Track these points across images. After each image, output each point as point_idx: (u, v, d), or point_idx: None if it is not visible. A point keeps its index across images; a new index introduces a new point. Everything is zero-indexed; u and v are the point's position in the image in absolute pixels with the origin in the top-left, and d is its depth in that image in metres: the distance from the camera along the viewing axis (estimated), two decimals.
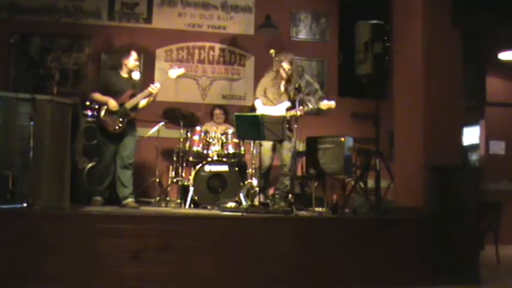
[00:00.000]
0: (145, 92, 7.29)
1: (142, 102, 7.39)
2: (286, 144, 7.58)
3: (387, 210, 6.73)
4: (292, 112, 7.53)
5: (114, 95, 7.25)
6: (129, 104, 7.27)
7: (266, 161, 7.63)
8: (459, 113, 7.05)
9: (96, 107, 7.61)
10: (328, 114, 10.25)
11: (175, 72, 7.56)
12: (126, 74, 7.46)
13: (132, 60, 7.44)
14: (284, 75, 7.74)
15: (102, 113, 7.24)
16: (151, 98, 7.42)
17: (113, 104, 7.19)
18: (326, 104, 7.61)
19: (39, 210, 5.58)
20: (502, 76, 10.61)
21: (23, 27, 9.57)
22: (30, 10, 9.76)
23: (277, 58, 7.65)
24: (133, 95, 7.32)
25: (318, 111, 8.01)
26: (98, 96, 7.30)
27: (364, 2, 9.35)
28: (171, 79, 7.73)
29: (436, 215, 6.34)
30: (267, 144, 7.60)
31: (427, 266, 6.16)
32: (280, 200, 7.60)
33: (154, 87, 7.27)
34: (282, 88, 7.81)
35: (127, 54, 7.47)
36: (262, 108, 7.68)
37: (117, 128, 7.20)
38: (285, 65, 7.69)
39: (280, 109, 7.63)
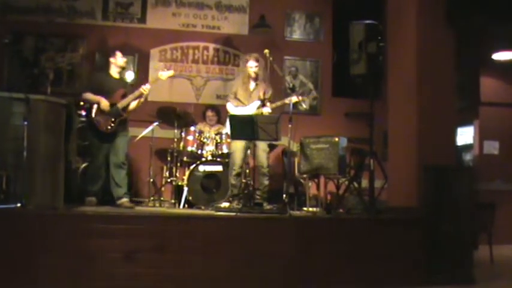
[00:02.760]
0: (137, 93, 7.32)
1: (133, 104, 7.41)
2: (262, 145, 7.59)
3: (381, 210, 6.74)
4: (261, 110, 7.58)
5: (105, 95, 7.26)
6: (121, 104, 7.28)
7: (237, 160, 7.63)
8: (453, 112, 7.05)
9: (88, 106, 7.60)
10: (322, 114, 10.34)
11: (165, 73, 7.60)
12: (115, 74, 7.51)
13: (119, 58, 7.47)
14: (252, 74, 7.79)
15: (94, 112, 7.24)
16: (142, 99, 7.45)
17: (104, 103, 7.20)
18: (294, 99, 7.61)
19: (33, 210, 5.57)
20: (496, 76, 10.62)
21: (17, 27, 9.56)
22: (24, 10, 9.75)
23: (244, 58, 7.74)
24: (124, 95, 7.33)
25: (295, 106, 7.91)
26: (89, 96, 7.31)
27: (358, 2, 9.36)
28: (162, 80, 7.74)
29: (429, 215, 6.35)
30: (239, 145, 7.62)
31: (421, 266, 6.17)
32: (262, 201, 7.61)
33: (145, 88, 7.30)
34: (251, 88, 7.85)
35: (112, 54, 7.52)
36: (234, 110, 7.73)
37: (109, 127, 7.20)
38: (251, 64, 7.75)
39: (250, 109, 7.66)
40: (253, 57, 7.81)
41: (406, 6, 7.11)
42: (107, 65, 7.56)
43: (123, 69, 7.60)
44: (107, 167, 7.42)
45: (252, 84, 7.87)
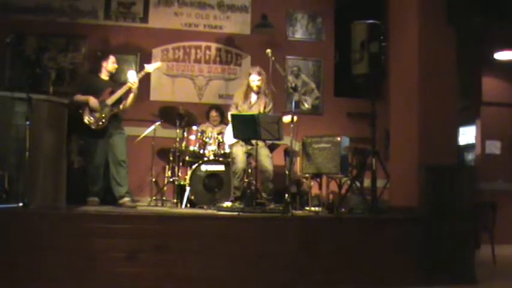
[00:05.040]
0: (125, 87, 7.38)
1: (128, 101, 7.45)
2: (264, 151, 7.52)
3: (383, 210, 6.73)
4: None
5: (94, 95, 7.31)
6: (109, 100, 7.33)
7: (239, 164, 7.61)
8: (454, 112, 7.03)
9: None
10: (324, 113, 10.34)
11: (152, 66, 7.77)
12: (106, 76, 7.59)
13: (110, 63, 7.56)
14: (255, 88, 7.77)
15: (85, 113, 7.26)
16: (133, 94, 7.48)
17: (93, 100, 7.26)
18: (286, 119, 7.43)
19: (35, 210, 5.58)
20: (498, 76, 10.62)
21: (19, 27, 9.55)
22: (25, 9, 9.74)
23: (247, 71, 7.79)
24: (112, 92, 7.38)
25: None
26: (78, 97, 7.35)
27: (360, 1, 9.36)
28: (150, 72, 7.79)
29: (431, 215, 6.34)
30: (240, 151, 7.60)
31: (423, 265, 6.16)
32: (269, 203, 7.60)
33: (132, 82, 7.36)
34: (253, 100, 7.83)
35: (106, 57, 7.59)
36: None
37: (100, 124, 7.25)
38: (253, 77, 7.73)
39: None
40: (255, 71, 7.77)
41: (407, 6, 7.10)
42: (98, 67, 7.61)
43: (112, 74, 7.65)
44: (107, 166, 7.44)
45: (254, 97, 7.82)
